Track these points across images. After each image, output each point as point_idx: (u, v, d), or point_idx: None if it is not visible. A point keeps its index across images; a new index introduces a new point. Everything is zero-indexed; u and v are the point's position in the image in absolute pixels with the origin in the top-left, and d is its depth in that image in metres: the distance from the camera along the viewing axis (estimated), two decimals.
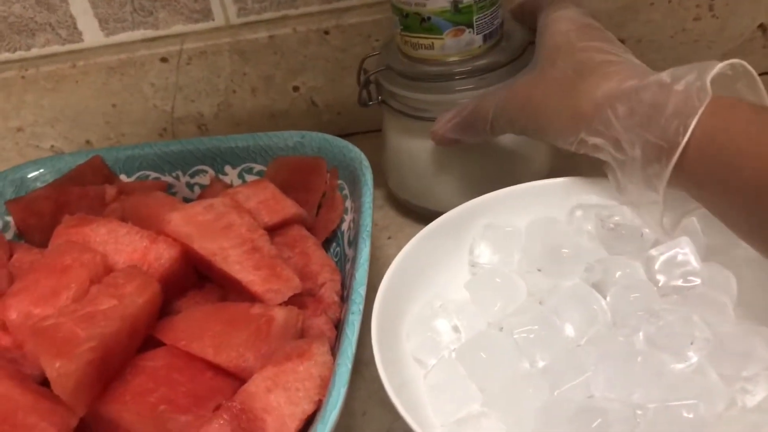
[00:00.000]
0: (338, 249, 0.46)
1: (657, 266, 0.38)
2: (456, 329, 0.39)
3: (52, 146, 0.64)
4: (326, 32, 0.59)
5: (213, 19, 0.60)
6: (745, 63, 0.36)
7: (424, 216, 0.53)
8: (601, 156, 0.39)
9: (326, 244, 0.47)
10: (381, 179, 0.56)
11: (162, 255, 0.41)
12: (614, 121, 0.37)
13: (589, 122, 0.38)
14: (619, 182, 0.39)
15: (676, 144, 0.34)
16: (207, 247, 0.40)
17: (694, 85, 0.34)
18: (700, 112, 0.34)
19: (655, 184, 0.36)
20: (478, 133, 0.44)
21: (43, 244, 0.47)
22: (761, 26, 0.59)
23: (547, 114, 0.40)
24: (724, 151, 0.33)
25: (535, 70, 0.42)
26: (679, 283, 0.37)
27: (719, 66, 0.35)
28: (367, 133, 0.63)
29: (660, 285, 0.37)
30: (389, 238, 0.54)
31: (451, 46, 0.46)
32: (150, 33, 0.61)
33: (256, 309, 0.37)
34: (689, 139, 0.34)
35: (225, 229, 0.41)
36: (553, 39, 0.41)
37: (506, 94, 0.42)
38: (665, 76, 0.36)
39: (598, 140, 0.38)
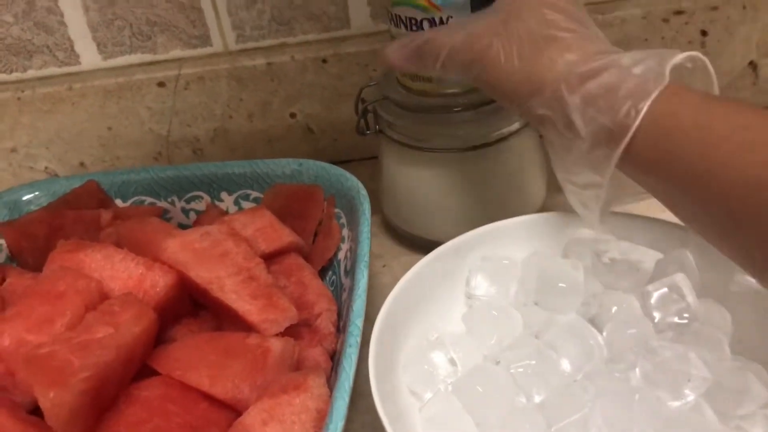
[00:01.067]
0: (334, 278, 0.46)
1: (653, 302, 0.38)
2: (452, 362, 0.39)
3: (46, 168, 0.64)
4: (324, 60, 0.60)
5: (211, 45, 0.61)
6: (704, 57, 0.36)
7: (419, 244, 0.53)
8: (544, 130, 0.38)
9: (322, 273, 0.46)
10: (376, 206, 0.56)
11: (158, 282, 0.40)
12: (568, 97, 0.36)
13: (541, 92, 0.37)
14: (560, 160, 0.38)
15: (627, 127, 0.34)
16: (203, 275, 0.40)
17: (653, 71, 0.34)
18: (653, 96, 0.33)
19: (602, 167, 0.35)
20: (426, 67, 0.42)
21: (36, 267, 0.47)
22: (751, 63, 0.60)
23: (502, 70, 0.38)
24: (670, 136, 0.33)
25: (497, 16, 0.39)
26: (675, 319, 0.37)
27: (681, 56, 0.35)
28: (363, 160, 0.63)
29: (656, 321, 0.38)
30: (384, 266, 0.54)
31: (450, 79, 0.47)
32: (148, 57, 0.61)
33: (252, 339, 0.37)
34: (639, 123, 0.33)
35: (221, 257, 0.41)
36: None
37: (464, 37, 0.39)
38: (625, 58, 0.35)
39: (547, 113, 0.37)
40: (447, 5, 0.43)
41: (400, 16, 0.45)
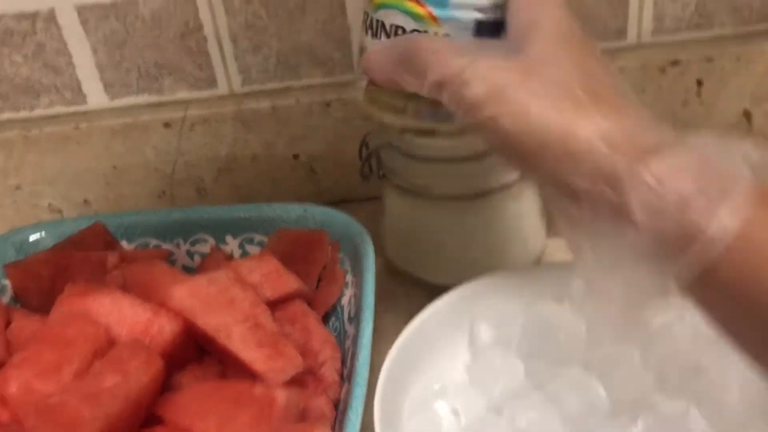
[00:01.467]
0: (337, 324, 0.46)
1: (654, 355, 0.39)
2: (456, 412, 0.39)
3: (50, 204, 0.64)
4: (328, 104, 0.61)
5: (217, 88, 0.62)
6: None
7: (421, 287, 0.54)
8: (574, 206, 0.29)
9: (325, 319, 0.47)
10: (378, 248, 0.56)
11: (164, 329, 0.41)
12: (624, 175, 0.27)
13: (582, 160, 0.28)
14: (592, 248, 0.30)
15: (709, 241, 0.26)
16: (210, 323, 0.40)
17: (730, 162, 0.27)
18: (739, 204, 0.26)
19: (662, 277, 0.28)
20: (412, 82, 0.32)
21: (40, 308, 0.47)
22: (746, 113, 0.62)
23: (528, 123, 0.28)
24: (758, 257, 0.26)
25: (523, 53, 0.30)
26: (676, 372, 0.38)
27: (752, 144, 0.28)
28: (365, 201, 0.64)
29: (657, 374, 0.38)
30: (385, 309, 0.54)
31: (429, 114, 0.37)
32: (154, 98, 0.62)
33: (259, 389, 0.38)
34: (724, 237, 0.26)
35: (228, 304, 0.42)
36: (554, 21, 0.31)
37: (481, 66, 0.30)
38: (692, 139, 0.28)
39: (586, 186, 0.28)
40: (448, 20, 0.34)
41: (383, 23, 0.35)
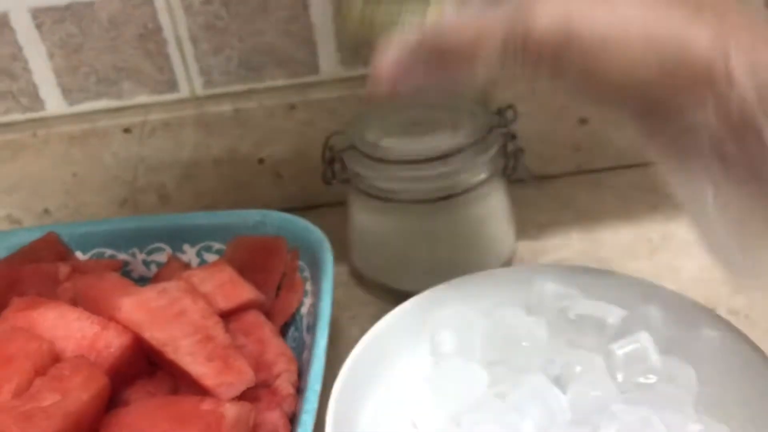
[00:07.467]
0: (297, 334, 0.45)
1: (617, 362, 0.37)
2: (415, 425, 0.38)
3: (9, 215, 0.63)
4: (292, 107, 0.59)
5: (178, 91, 0.60)
6: None
7: (388, 294, 0.53)
8: (691, 157, 0.24)
9: (284, 328, 0.45)
10: (345, 254, 0.55)
11: (112, 343, 0.39)
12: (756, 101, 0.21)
13: (701, 86, 0.22)
14: (715, 209, 0.25)
15: None
16: (158, 336, 0.39)
17: None
18: None
19: None
20: (456, 70, 0.25)
21: None
22: None
23: (631, 49, 0.22)
24: None
25: None
26: (640, 379, 0.37)
27: None
28: (333, 206, 0.63)
29: (620, 381, 0.37)
30: (352, 317, 0.53)
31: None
32: (114, 103, 0.60)
33: (207, 405, 0.36)
34: None
35: (178, 316, 0.40)
36: None
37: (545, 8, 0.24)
38: None
39: (707, 120, 0.22)
40: None
41: None
